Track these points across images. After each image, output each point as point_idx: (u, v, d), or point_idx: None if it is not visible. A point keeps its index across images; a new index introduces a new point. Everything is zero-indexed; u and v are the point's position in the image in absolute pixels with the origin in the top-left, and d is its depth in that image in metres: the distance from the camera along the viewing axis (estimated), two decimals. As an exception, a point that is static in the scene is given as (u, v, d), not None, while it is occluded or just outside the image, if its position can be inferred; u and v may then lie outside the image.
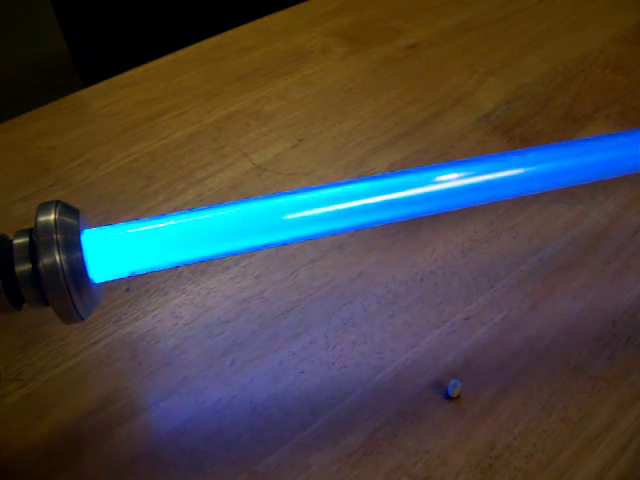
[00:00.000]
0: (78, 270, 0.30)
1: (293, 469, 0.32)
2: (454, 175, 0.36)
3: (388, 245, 0.41)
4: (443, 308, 0.38)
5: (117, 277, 0.32)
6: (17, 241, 0.30)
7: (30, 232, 0.31)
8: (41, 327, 0.39)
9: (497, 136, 0.49)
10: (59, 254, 0.29)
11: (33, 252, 0.30)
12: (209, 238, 0.33)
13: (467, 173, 0.36)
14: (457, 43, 0.59)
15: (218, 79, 0.57)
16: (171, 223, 0.33)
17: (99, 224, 0.34)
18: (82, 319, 0.31)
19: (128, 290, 0.40)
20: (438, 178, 0.35)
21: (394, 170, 0.46)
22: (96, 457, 0.33)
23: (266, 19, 0.63)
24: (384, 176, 0.36)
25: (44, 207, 0.31)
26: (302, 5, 0.65)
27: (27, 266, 0.30)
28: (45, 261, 0.29)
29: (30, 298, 0.30)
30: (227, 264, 0.41)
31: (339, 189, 0.35)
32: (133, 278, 0.40)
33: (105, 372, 0.36)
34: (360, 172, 0.47)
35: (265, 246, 0.34)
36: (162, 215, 0.34)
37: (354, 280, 0.40)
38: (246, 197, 0.45)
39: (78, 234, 0.31)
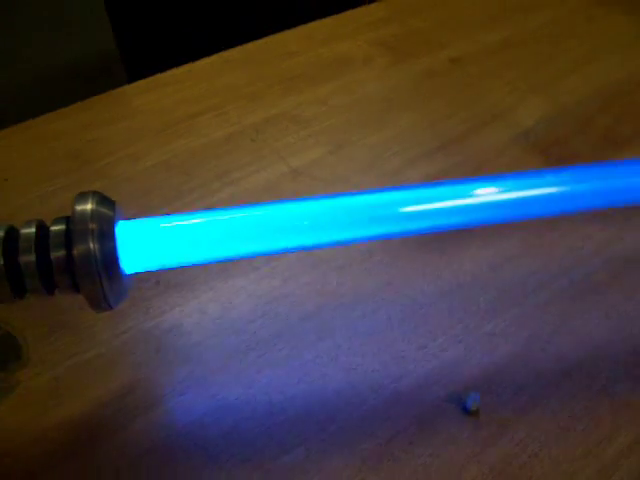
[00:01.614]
0: (110, 259, 0.31)
1: (307, 471, 0.32)
2: (489, 190, 0.36)
3: (417, 256, 0.42)
4: (468, 322, 0.38)
5: (148, 269, 0.33)
6: (54, 228, 0.31)
7: (67, 220, 0.32)
8: (70, 313, 0.39)
9: (534, 154, 0.49)
10: (93, 243, 0.30)
11: (68, 239, 0.31)
12: (240, 236, 0.34)
13: (502, 189, 0.36)
14: (500, 59, 0.59)
15: (260, 81, 0.58)
16: (202, 220, 0.33)
17: (134, 217, 0.35)
18: (111, 308, 0.32)
19: (158, 283, 0.41)
20: (473, 191, 0.35)
21: (427, 182, 0.46)
22: (111, 446, 0.34)
23: (311, 25, 0.64)
24: (417, 186, 0.36)
25: (81, 197, 0.32)
26: (348, 13, 0.65)
27: (62, 252, 0.31)
28: (79, 249, 0.30)
29: (62, 284, 0.31)
30: (257, 264, 0.42)
31: (372, 196, 0.35)
32: (163, 272, 0.41)
33: (128, 362, 0.37)
34: (395, 181, 0.47)
35: (293, 249, 0.34)
36: (195, 211, 0.34)
37: (381, 288, 0.40)
38: (280, 199, 0.46)
39: (112, 224, 0.31)
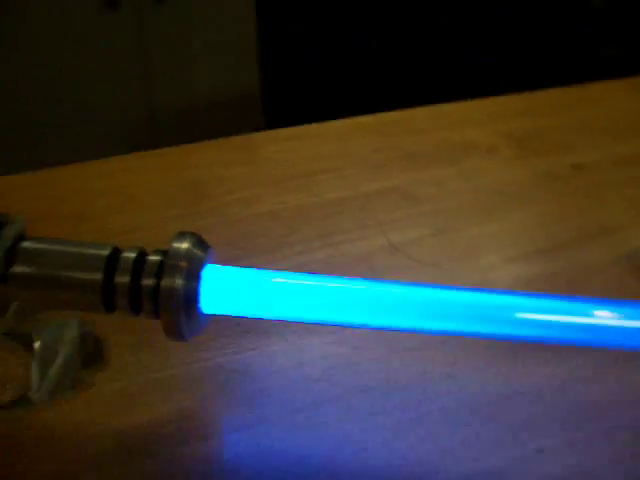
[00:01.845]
0: (191, 298, 0.34)
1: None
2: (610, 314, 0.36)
3: (487, 355, 0.42)
4: (521, 433, 0.38)
5: (225, 314, 0.36)
6: (151, 258, 0.35)
7: (164, 253, 0.35)
8: (155, 333, 0.42)
9: (635, 277, 0.48)
10: (179, 279, 0.33)
11: (160, 271, 0.34)
12: (320, 306, 0.36)
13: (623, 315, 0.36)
14: (625, 173, 0.58)
15: (384, 152, 0.60)
16: (288, 281, 0.36)
17: (232, 259, 0.37)
18: (184, 340, 0.35)
19: (238, 324, 0.43)
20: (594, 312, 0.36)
21: (518, 284, 0.47)
22: (160, 460, 0.36)
23: (443, 106, 0.66)
24: (533, 294, 0.37)
25: (181, 235, 0.35)
26: (479, 101, 0.67)
27: (151, 281, 0.34)
28: (166, 282, 0.33)
29: (147, 309, 0.34)
30: (332, 328, 0.43)
31: (490, 296, 0.36)
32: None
33: (195, 389, 0.40)
34: (484, 277, 0.47)
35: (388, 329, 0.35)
36: (283, 271, 0.37)
37: (443, 379, 0.40)
38: (373, 270, 0.48)
39: (201, 266, 0.34)
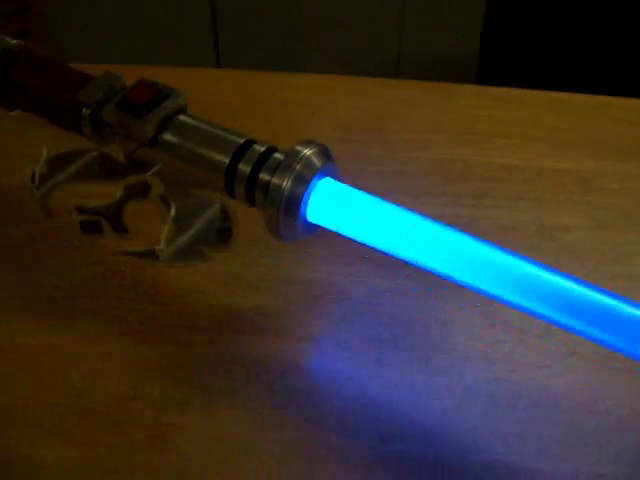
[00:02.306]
0: (294, 200, 0.35)
1: None
2: None
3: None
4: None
5: (325, 227, 0.37)
6: (276, 155, 0.37)
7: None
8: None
9: None
10: (288, 180, 0.35)
11: (276, 168, 0.36)
12: (419, 251, 0.35)
13: None
14: None
15: (573, 133, 0.57)
16: (393, 211, 0.36)
17: (382, 190, 0.37)
18: (283, 240, 0.37)
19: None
20: None
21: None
22: (241, 348, 0.39)
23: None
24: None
25: (307, 142, 0.36)
26: None
27: (267, 176, 0.36)
28: (276, 179, 0.35)
29: (258, 201, 0.37)
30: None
31: None
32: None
33: (294, 293, 0.42)
34: (628, 285, 0.43)
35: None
36: (396, 204, 0.36)
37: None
38: (510, 243, 0.46)
39: (313, 174, 0.35)
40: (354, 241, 0.37)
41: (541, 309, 0.33)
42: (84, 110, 0.40)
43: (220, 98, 0.57)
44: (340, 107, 0.58)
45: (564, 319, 0.33)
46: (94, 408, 0.36)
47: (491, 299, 0.34)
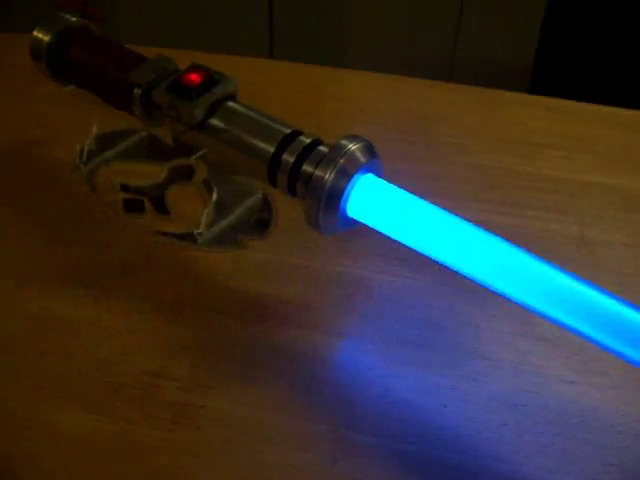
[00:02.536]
0: (335, 193, 0.35)
1: None
2: None
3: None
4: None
5: (362, 221, 0.37)
6: (321, 148, 0.37)
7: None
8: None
9: None
10: (330, 173, 0.35)
11: (320, 161, 0.36)
12: (454, 254, 0.35)
13: None
14: None
15: (625, 148, 0.55)
16: (432, 213, 0.35)
17: (422, 191, 0.37)
18: (322, 232, 0.37)
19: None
20: None
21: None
22: (262, 336, 0.39)
23: None
24: None
25: (353, 137, 0.36)
26: None
27: (310, 168, 0.36)
28: (319, 172, 0.35)
29: (299, 192, 0.37)
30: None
31: None
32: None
33: (323, 287, 0.42)
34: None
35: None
36: (436, 206, 0.36)
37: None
38: (546, 252, 0.45)
39: (356, 169, 0.35)
40: (391, 239, 0.37)
41: (573, 322, 0.33)
42: (135, 90, 0.40)
43: (270, 88, 0.57)
44: (389, 106, 0.58)
45: (597, 334, 0.33)
46: (122, 382, 0.37)
47: (525, 309, 0.34)
